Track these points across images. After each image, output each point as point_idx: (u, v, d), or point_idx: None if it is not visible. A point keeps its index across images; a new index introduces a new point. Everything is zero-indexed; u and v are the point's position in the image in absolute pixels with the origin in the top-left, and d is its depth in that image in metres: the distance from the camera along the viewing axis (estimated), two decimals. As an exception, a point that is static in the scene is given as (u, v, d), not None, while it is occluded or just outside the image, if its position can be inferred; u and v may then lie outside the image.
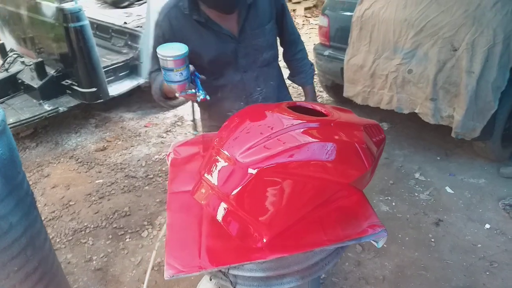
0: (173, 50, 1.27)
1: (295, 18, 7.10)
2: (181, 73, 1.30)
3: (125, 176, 3.43)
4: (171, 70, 1.29)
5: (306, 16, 7.19)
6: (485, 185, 2.97)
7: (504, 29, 2.54)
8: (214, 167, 1.18)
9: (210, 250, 1.16)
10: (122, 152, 3.77)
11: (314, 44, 6.28)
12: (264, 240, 1.12)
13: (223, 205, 1.14)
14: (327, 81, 4.10)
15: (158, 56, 1.28)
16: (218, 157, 1.17)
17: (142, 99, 4.64)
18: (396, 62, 3.05)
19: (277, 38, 1.78)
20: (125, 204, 3.09)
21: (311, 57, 5.32)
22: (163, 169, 3.48)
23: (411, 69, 2.97)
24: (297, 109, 1.31)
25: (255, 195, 1.11)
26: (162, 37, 1.55)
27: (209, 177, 1.17)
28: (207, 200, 1.17)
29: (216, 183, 1.15)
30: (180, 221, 1.28)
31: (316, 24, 6.86)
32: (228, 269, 1.18)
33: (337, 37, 3.65)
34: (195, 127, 1.69)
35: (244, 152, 1.12)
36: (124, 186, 3.29)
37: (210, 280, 1.29)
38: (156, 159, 3.65)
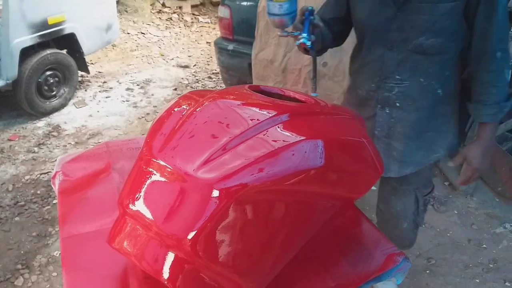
0: None
1: (182, 16, 6.63)
2: (281, 5, 1.15)
3: (-15, 206, 2.62)
4: None
5: (194, 14, 6.77)
6: (404, 179, 2.92)
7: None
8: (148, 191, 0.71)
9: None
10: (-21, 175, 2.92)
11: (207, 42, 5.98)
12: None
13: (170, 256, 0.67)
14: (231, 78, 3.74)
15: None
16: (154, 174, 0.70)
17: (3, 106, 3.74)
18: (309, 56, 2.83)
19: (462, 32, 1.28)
20: (-12, 244, 2.32)
21: (212, 51, 4.97)
22: (38, 192, 2.76)
23: (326, 62, 2.78)
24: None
25: (226, 232, 0.67)
26: None
27: (139, 208, 0.70)
28: (139, 249, 0.69)
29: (153, 218, 0.68)
30: (88, 287, 0.77)
31: (205, 22, 6.50)
32: None
33: (241, 30, 3.32)
34: (314, 88, 1.43)
35: (203, 164, 0.68)
36: (-16, 219, 2.50)
37: None
38: (27, 180, 2.89)
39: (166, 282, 0.67)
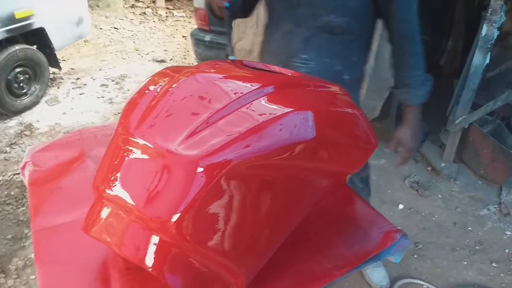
0: None
1: (156, 10, 6.49)
2: None
3: (-45, 209, 2.48)
4: None
5: (168, 8, 6.63)
6: (387, 165, 2.90)
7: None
8: (126, 171, 0.64)
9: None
10: None
11: (183, 36, 5.86)
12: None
13: (154, 240, 0.61)
14: (209, 70, 3.67)
15: None
16: (132, 153, 0.64)
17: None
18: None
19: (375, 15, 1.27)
20: (-41, 249, 2.20)
21: (188, 45, 4.85)
22: (12, 193, 2.62)
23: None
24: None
25: (215, 213, 0.62)
26: None
27: (117, 192, 0.64)
28: (119, 235, 0.63)
29: (134, 203, 0.62)
30: (64, 281, 0.71)
31: (180, 16, 6.38)
32: None
33: (218, 20, 3.24)
34: (232, 51, 1.31)
35: (185, 139, 0.62)
36: (-46, 223, 2.36)
37: None
38: (-1, 181, 2.75)
39: (150, 270, 0.61)
